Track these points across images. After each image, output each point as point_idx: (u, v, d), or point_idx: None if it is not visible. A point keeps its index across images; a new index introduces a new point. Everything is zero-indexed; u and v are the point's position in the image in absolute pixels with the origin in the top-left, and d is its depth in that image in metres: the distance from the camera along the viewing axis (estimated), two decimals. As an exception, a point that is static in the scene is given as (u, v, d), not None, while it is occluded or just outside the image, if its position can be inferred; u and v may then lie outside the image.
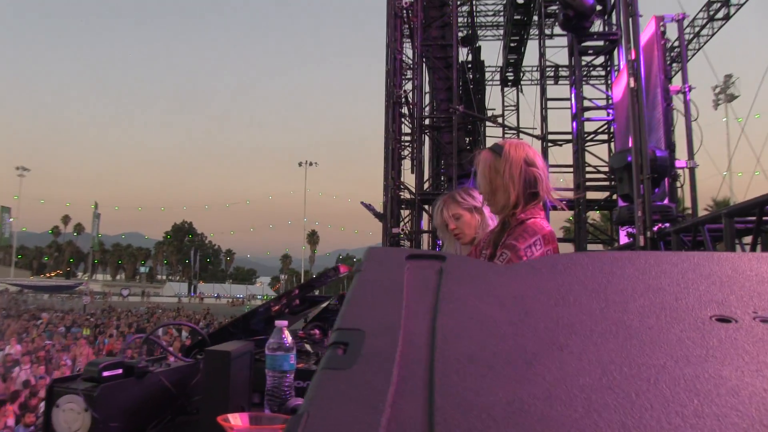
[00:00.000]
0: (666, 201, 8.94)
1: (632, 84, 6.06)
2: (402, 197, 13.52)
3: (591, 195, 14.56)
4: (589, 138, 14.24)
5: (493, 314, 0.66)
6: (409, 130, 14.59)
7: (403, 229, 12.83)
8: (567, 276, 0.77)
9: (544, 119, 16.35)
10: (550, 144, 16.38)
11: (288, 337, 1.39)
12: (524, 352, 0.57)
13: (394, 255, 0.85)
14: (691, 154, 9.82)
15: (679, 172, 11.12)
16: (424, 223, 13.38)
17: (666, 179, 8.76)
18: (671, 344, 0.59)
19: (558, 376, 0.53)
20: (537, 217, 1.89)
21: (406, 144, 14.75)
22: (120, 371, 1.21)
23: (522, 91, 19.27)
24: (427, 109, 15.41)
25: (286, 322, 1.46)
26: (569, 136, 14.24)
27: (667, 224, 6.68)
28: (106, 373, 1.17)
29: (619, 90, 11.00)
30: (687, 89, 9.13)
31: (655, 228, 6.07)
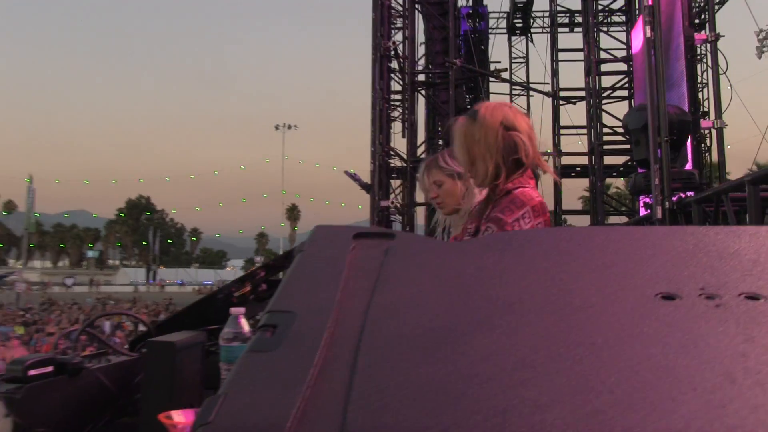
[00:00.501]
0: (690, 167, 9.07)
1: (649, 34, 6.11)
2: (392, 165, 13.58)
3: (609, 160, 14.69)
4: (605, 94, 14.33)
5: (430, 293, 0.73)
6: (399, 88, 14.59)
7: (393, 202, 12.92)
8: (518, 254, 0.84)
9: (554, 73, 16.42)
10: (561, 102, 16.48)
11: (245, 326, 1.46)
12: (454, 331, 0.65)
13: (341, 234, 0.92)
14: (718, 113, 9.90)
15: (705, 133, 11.24)
16: (418, 195, 13.48)
17: (689, 142, 8.87)
18: (607, 323, 0.67)
19: (484, 354, 0.60)
20: (526, 186, 1.96)
21: (397, 104, 14.76)
22: (50, 369, 1.20)
23: (532, 41, 19.21)
24: (420, 63, 15.38)
25: (243, 309, 1.53)
26: (583, 93, 14.32)
27: (691, 193, 6.80)
28: (32, 372, 1.16)
29: (639, 39, 11.03)
30: (714, 37, 9.17)
31: (675, 198, 6.18)
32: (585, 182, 14.83)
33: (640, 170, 9.29)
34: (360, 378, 0.57)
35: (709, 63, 10.00)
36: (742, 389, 0.56)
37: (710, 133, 10.59)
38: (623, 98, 14.51)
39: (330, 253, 0.86)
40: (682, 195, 6.48)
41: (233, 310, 1.50)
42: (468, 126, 2.02)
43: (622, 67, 13.89)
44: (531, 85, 18.63)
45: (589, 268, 0.80)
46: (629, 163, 13.14)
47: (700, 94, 11.51)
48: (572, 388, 0.55)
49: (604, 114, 14.17)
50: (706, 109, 11.77)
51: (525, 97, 19.19)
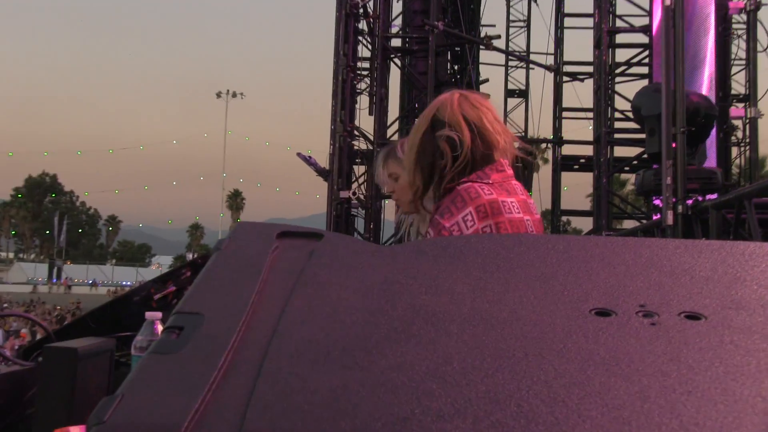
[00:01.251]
0: (713, 164, 9.33)
1: (668, 1, 6.29)
2: (355, 148, 13.69)
3: (620, 151, 14.98)
4: (619, 71, 14.61)
5: (351, 299, 0.85)
6: (368, 54, 14.71)
7: (355, 193, 13.03)
8: (452, 261, 0.96)
9: (559, 43, 16.68)
10: (566, 78, 16.76)
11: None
12: (369, 339, 0.76)
13: (264, 232, 1.03)
14: (754, 100, 10.17)
15: (736, 123, 11.55)
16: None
17: (714, 134, 9.12)
18: (533, 337, 0.79)
19: (396, 363, 0.72)
20: (477, 180, 2.07)
21: (365, 73, 14.88)
22: None
23: (536, 1, 19.46)
24: (395, 24, 15.50)
25: (160, 314, 1.62)
26: (591, 68, 14.56)
27: (714, 195, 7.03)
28: None
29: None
30: (754, 5, 9.38)
31: (690, 201, 6.38)
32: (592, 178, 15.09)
33: (654, 166, 9.54)
34: (263, 383, 0.67)
35: (746, 38, 10.31)
36: (652, 408, 0.68)
37: (743, 123, 10.90)
38: (640, 77, 14.78)
39: (250, 252, 0.97)
40: (700, 198, 6.67)
41: (149, 314, 1.60)
42: (417, 120, 2.20)
43: (641, 39, 14.13)
44: (531, 57, 18.88)
45: (526, 279, 0.92)
46: (643, 156, 13.42)
47: (733, 77, 11.82)
48: (479, 400, 0.67)
49: (616, 96, 14.45)
50: (740, 94, 12.08)
51: (524, 70, 19.45)
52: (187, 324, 0.78)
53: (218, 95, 63.30)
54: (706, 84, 9.64)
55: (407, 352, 0.74)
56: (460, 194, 2.00)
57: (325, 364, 0.71)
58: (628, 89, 14.68)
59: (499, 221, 1.98)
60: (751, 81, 10.01)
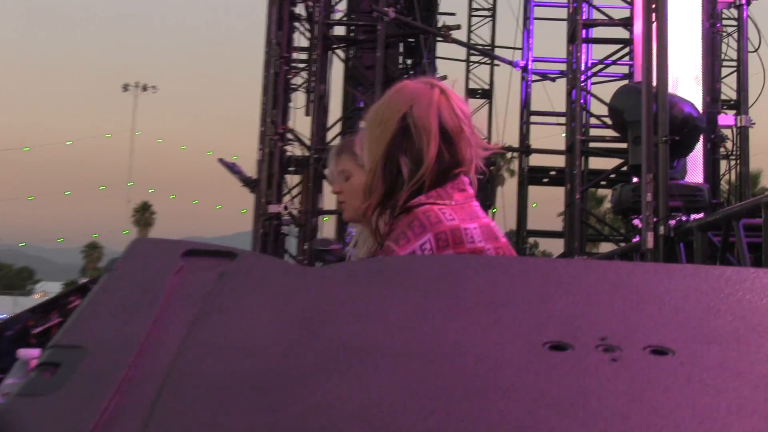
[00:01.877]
0: (699, 180, 9.55)
1: (648, -8, 6.46)
2: (288, 153, 13.66)
3: (597, 163, 15.23)
4: (596, 70, 14.88)
5: (266, 330, 0.85)
6: (306, 44, 14.71)
7: (287, 207, 12.99)
8: (390, 285, 0.97)
9: (527, 37, 16.94)
10: (535, 77, 17.01)
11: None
12: (285, 378, 0.76)
13: (166, 250, 1.03)
14: (744, 106, 10.42)
15: (725, 133, 11.82)
16: (327, 199, 13.60)
17: (701, 144, 9.33)
18: (477, 374, 0.80)
19: (316, 404, 0.72)
20: (442, 201, 2.07)
21: (301, 66, 14.86)
22: None
23: (505, -14, 19.76)
24: (338, 9, 15.56)
25: (36, 352, 1.60)
26: (564, 66, 14.81)
27: (700, 215, 7.19)
28: None
29: (642, -3, 11.53)
30: (744, 1, 9.65)
31: (674, 221, 6.53)
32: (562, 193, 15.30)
33: (635, 180, 9.69)
34: (154, 428, 0.67)
35: (737, 36, 10.58)
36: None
37: (733, 133, 11.15)
38: (620, 77, 15.09)
39: (147, 274, 0.97)
40: (684, 218, 6.82)
41: (23, 352, 1.57)
42: (374, 112, 2.16)
43: (621, 33, 14.43)
44: (495, 52, 19.12)
45: (473, 306, 0.94)
46: (622, 168, 13.67)
47: (722, 80, 12.10)
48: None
49: (592, 98, 14.70)
50: (730, 100, 12.37)
51: (487, 67, 19.66)
52: (65, 359, 0.77)
53: (125, 88, 62.47)
54: (691, 88, 9.87)
55: (330, 391, 0.74)
56: (418, 218, 1.98)
57: (232, 406, 0.71)
58: (606, 91, 14.92)
59: (460, 252, 2.00)
60: (742, 85, 10.25)
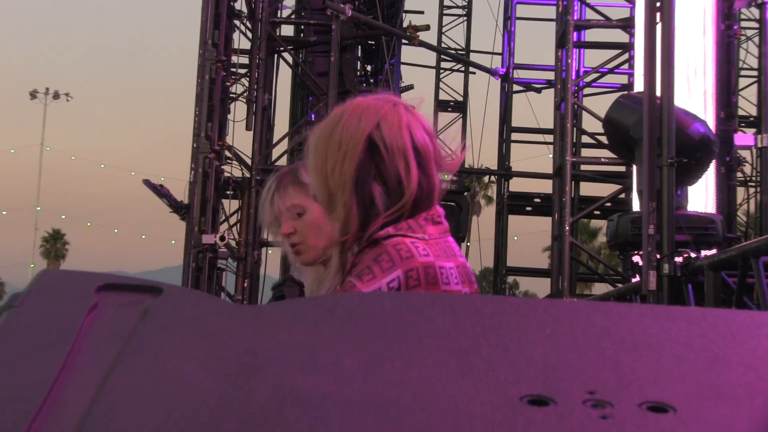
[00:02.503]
0: (712, 210, 9.64)
1: (652, -9, 6.56)
2: (226, 174, 13.62)
3: (589, 189, 15.33)
4: (588, 80, 15.04)
5: (196, 378, 0.85)
6: (248, 46, 14.69)
7: (224, 237, 12.94)
8: (340, 327, 0.98)
9: (509, 40, 17.10)
10: (518, 88, 17.16)
11: None
12: (219, 433, 0.76)
13: (78, 284, 1.02)
14: (766, 123, 10.42)
15: (743, 155, 11.85)
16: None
17: (714, 168, 9.41)
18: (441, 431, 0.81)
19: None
20: (409, 233, 2.07)
21: (242, 72, 14.83)
22: None
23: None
24: (285, 5, 15.60)
25: None
26: (552, 75, 14.95)
27: (712, 251, 7.23)
28: None
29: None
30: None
31: (681, 258, 6.57)
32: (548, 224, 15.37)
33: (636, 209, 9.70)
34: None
35: (758, 40, 10.65)
36: None
37: (752, 155, 11.20)
38: (617, 88, 15.23)
39: (56, 311, 0.96)
40: (693, 254, 6.84)
41: None
42: (328, 134, 2.14)
43: (620, 36, 14.58)
44: (471, 58, 19.25)
45: (438, 352, 0.94)
46: (620, 195, 13.77)
47: (739, 93, 12.22)
48: None
49: (584, 113, 14.81)
50: (749, 116, 12.42)
51: (461, 75, 19.78)
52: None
53: (32, 95, 61.83)
54: (701, 101, 9.97)
55: (269, 449, 0.75)
56: (387, 251, 1.98)
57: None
58: (601, 104, 15.07)
59: (438, 292, 1.98)
60: (764, 98, 10.29)
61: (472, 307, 1.05)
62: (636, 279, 8.89)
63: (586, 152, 15.50)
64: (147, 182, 13.74)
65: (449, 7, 20.08)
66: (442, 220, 2.13)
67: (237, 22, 14.39)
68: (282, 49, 14.65)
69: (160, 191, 13.60)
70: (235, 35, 14.43)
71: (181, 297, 1.02)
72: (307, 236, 2.65)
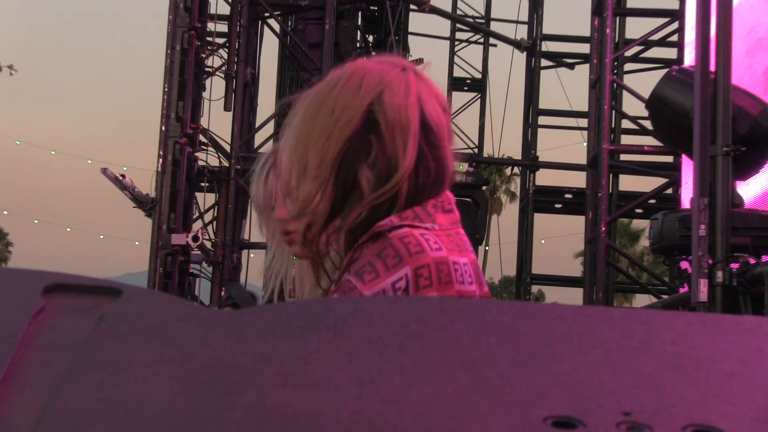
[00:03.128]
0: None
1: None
2: (201, 163, 13.60)
3: (629, 183, 15.25)
4: (630, 54, 15.00)
5: (161, 393, 0.85)
6: (228, 11, 14.64)
7: (197, 237, 12.92)
8: (334, 336, 0.98)
9: (536, 6, 17.05)
10: (546, 64, 17.10)
11: None
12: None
13: (21, 285, 1.03)
14: None
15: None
16: (249, 227, 13.53)
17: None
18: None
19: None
20: (417, 223, 2.05)
21: (220, 42, 14.81)
22: None
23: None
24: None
25: None
26: (587, 48, 14.89)
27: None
28: None
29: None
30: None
31: (736, 264, 6.55)
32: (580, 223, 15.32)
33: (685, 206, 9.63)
34: None
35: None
36: None
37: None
38: (664, 63, 15.16)
39: (-2, 318, 0.97)
40: (752, 260, 6.80)
41: None
42: (320, 100, 2.12)
43: (668, 2, 14.53)
44: (492, 27, 19.21)
45: (446, 367, 0.94)
46: (665, 191, 13.71)
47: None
48: None
49: (624, 93, 14.77)
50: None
51: (480, 48, 19.75)
52: None
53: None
54: (761, 80, 9.93)
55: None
56: (393, 245, 1.96)
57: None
58: (644, 82, 15.02)
59: (452, 293, 1.98)
60: None
61: (488, 314, 1.05)
62: (684, 289, 8.87)
63: (626, 139, 15.47)
64: (106, 172, 13.71)
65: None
66: (452, 208, 2.12)
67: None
68: (267, 15, 14.61)
69: (121, 183, 13.59)
70: (214, 2, 14.39)
71: (144, 300, 1.02)
72: (302, 223, 2.65)
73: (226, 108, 13.97)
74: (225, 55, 14.51)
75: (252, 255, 14.67)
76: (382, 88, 2.06)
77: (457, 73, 19.57)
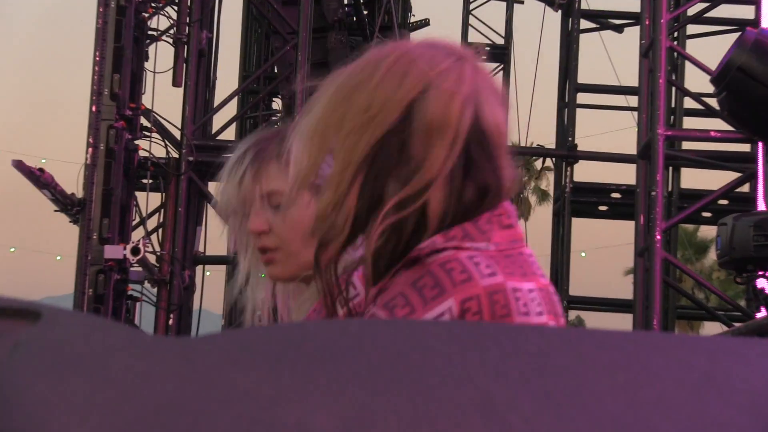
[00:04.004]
0: None
1: None
2: (143, 153, 13.58)
3: (695, 180, 15.28)
4: (692, 14, 15.03)
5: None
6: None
7: (138, 250, 12.91)
8: (313, 368, 0.98)
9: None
10: (587, 26, 17.13)
11: None
12: None
13: None
14: None
15: None
16: (212, 235, 13.55)
17: None
18: None
19: None
20: (467, 245, 2.03)
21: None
22: None
23: None
24: None
25: None
26: (638, 4, 14.92)
27: None
28: None
29: None
30: None
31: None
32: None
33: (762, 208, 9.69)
34: None
35: None
36: None
37: None
38: (735, 27, 15.20)
39: None
40: None
41: None
42: (352, 88, 2.11)
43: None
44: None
45: (458, 407, 0.95)
46: (739, 189, 13.71)
47: None
48: None
49: (687, 64, 14.79)
50: None
51: (502, 5, 19.78)
52: None
53: None
54: None
55: None
56: (431, 272, 1.96)
57: None
58: (711, 51, 15.07)
59: None
60: None
61: (509, 341, 1.05)
62: (762, 313, 8.83)
63: (689, 122, 15.48)
64: (19, 165, 13.62)
65: None
66: (512, 223, 2.12)
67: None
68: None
69: (38, 179, 13.50)
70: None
71: (69, 324, 1.02)
72: (287, 240, 2.67)
73: (176, 83, 13.92)
74: (173, 15, 14.44)
75: (208, 273, 14.67)
76: (429, 81, 2.06)
77: (473, 37, 19.55)
